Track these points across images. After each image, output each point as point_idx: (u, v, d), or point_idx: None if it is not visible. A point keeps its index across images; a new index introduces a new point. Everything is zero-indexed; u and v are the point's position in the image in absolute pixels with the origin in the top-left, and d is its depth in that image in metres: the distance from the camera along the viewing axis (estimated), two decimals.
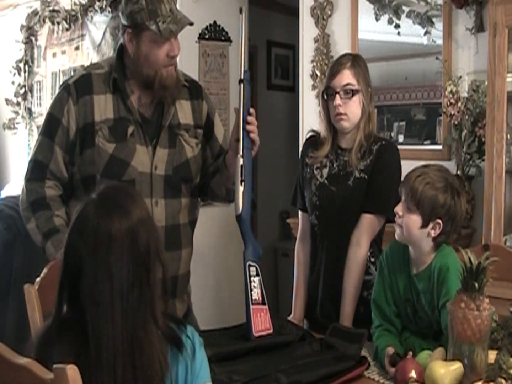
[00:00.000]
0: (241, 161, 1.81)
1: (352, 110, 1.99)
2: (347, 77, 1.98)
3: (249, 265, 1.78)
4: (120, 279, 1.16)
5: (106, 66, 1.97)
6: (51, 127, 1.94)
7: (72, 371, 1.03)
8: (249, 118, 1.84)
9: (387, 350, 1.64)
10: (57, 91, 1.98)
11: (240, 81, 1.85)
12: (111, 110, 1.91)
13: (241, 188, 1.80)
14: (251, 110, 1.86)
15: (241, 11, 1.87)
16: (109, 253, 1.15)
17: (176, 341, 1.21)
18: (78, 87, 1.92)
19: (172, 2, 1.86)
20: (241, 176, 1.80)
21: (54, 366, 1.03)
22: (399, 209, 1.69)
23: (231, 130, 1.92)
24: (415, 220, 1.64)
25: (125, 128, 1.91)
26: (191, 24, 1.90)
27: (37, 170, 1.94)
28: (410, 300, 1.72)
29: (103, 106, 1.91)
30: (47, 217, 1.90)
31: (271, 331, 1.75)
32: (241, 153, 1.82)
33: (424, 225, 1.64)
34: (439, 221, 1.63)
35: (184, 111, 2.01)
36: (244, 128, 1.83)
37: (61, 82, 4.98)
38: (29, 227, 1.93)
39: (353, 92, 1.98)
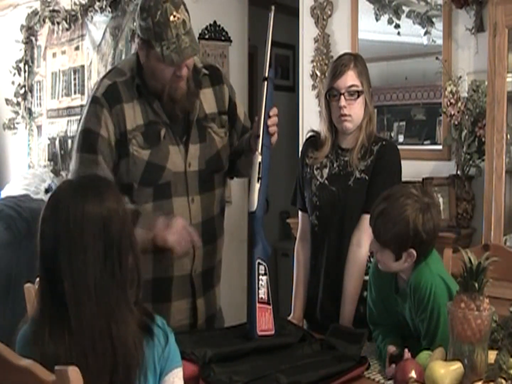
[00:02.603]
0: (259, 159, 1.80)
1: (356, 111, 1.99)
2: (351, 78, 1.97)
3: (259, 263, 1.77)
4: (93, 252, 1.23)
5: (128, 71, 1.90)
6: (90, 141, 1.84)
7: (74, 373, 1.04)
8: (270, 121, 1.82)
9: (388, 349, 1.64)
10: (86, 107, 1.89)
11: (264, 78, 1.83)
12: (140, 116, 1.87)
13: (257, 186, 1.79)
14: (274, 110, 1.84)
15: (271, 10, 1.84)
16: (82, 228, 1.23)
17: (149, 330, 1.29)
18: (108, 97, 1.86)
19: (181, 27, 1.76)
20: (259, 173, 1.79)
21: (56, 367, 1.05)
22: (372, 246, 1.69)
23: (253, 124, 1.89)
24: (388, 256, 1.63)
25: (157, 131, 1.87)
26: (196, 54, 1.83)
27: None
28: (400, 312, 1.72)
29: (133, 114, 1.86)
30: None
31: (272, 332, 1.75)
32: (259, 150, 1.80)
33: (398, 258, 1.63)
34: (412, 250, 1.61)
35: (207, 101, 1.98)
36: (265, 126, 1.81)
37: (61, 82, 5.00)
38: None
39: (358, 94, 1.98)
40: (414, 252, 1.61)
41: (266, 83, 1.83)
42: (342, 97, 1.97)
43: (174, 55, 1.75)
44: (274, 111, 1.84)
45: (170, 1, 1.76)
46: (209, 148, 1.95)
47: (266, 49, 1.85)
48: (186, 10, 1.80)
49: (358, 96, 1.98)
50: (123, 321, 1.24)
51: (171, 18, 1.75)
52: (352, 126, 2.01)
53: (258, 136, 1.82)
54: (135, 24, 1.86)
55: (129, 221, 1.32)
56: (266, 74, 1.83)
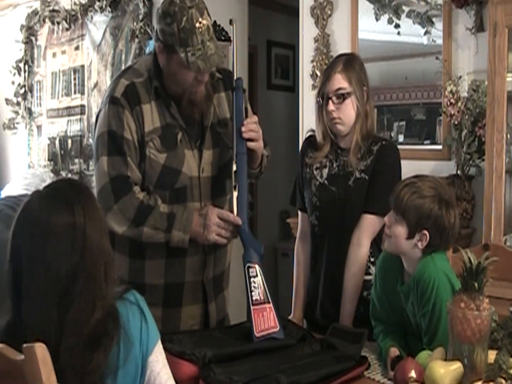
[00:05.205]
0: (234, 167, 1.81)
1: (346, 113, 2.00)
2: (338, 81, 1.98)
3: (248, 267, 1.78)
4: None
5: (145, 71, 1.88)
6: (117, 143, 1.82)
7: (40, 349, 1.06)
8: (244, 128, 1.83)
9: (390, 352, 1.64)
10: (104, 107, 1.85)
11: (232, 89, 1.87)
12: (157, 118, 1.85)
13: (235, 194, 1.80)
14: (254, 118, 1.86)
15: (231, 22, 1.89)
16: (45, 243, 1.18)
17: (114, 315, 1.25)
18: (128, 98, 1.83)
19: (206, 34, 1.75)
20: (235, 181, 1.80)
21: (24, 346, 1.06)
22: (387, 219, 1.69)
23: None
24: (402, 230, 1.63)
25: (174, 135, 1.86)
26: (222, 63, 1.85)
27: (121, 185, 1.82)
28: (403, 308, 1.71)
29: (150, 115, 1.85)
30: (157, 215, 1.81)
31: (277, 328, 1.74)
32: (234, 158, 1.82)
33: (411, 236, 1.63)
34: (426, 232, 1.61)
35: (221, 105, 1.98)
36: (238, 134, 1.83)
37: (61, 82, 5.00)
38: (145, 235, 1.81)
39: (344, 96, 1.98)
40: (428, 236, 1.61)
41: (234, 92, 1.86)
42: (330, 101, 1.99)
43: (200, 62, 1.75)
44: (252, 119, 1.85)
45: (195, 6, 1.75)
46: (222, 154, 1.94)
47: (232, 60, 1.88)
48: (209, 15, 1.79)
49: (345, 99, 1.98)
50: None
51: (197, 24, 1.74)
52: (344, 128, 2.01)
53: (231, 147, 1.84)
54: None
55: (94, 236, 1.24)
56: (234, 84, 1.86)
